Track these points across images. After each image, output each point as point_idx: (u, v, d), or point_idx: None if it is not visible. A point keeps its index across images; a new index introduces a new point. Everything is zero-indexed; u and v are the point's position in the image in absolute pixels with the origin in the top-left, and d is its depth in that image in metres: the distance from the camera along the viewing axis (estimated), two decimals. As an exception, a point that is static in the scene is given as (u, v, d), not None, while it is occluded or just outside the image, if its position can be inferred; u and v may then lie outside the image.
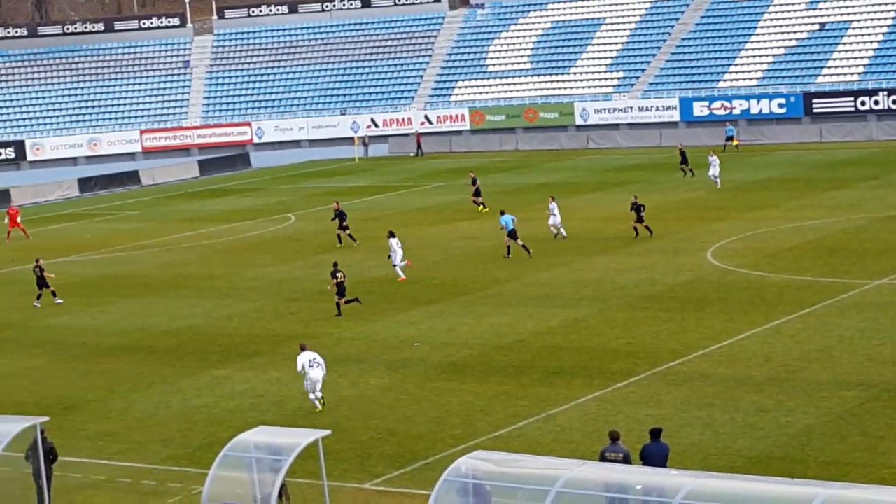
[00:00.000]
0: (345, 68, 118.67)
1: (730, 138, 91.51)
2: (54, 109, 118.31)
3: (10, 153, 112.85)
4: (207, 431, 34.86)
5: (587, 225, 62.61)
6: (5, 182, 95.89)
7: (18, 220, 73.92)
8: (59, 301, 52.66)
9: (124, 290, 54.95)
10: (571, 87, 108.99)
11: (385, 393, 37.36)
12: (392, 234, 53.75)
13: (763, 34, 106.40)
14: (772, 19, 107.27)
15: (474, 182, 70.76)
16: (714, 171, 72.03)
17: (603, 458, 26.08)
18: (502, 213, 57.09)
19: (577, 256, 55.07)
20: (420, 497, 28.00)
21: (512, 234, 55.57)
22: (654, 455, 26.20)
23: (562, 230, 58.91)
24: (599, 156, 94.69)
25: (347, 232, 61.50)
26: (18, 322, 50.53)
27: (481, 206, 69.19)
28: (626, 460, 25.94)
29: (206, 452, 32.24)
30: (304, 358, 35.78)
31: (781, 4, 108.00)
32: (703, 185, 72.69)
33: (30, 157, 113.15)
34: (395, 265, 52.96)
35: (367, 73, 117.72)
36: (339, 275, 47.13)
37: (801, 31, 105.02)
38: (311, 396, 35.95)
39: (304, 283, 53.89)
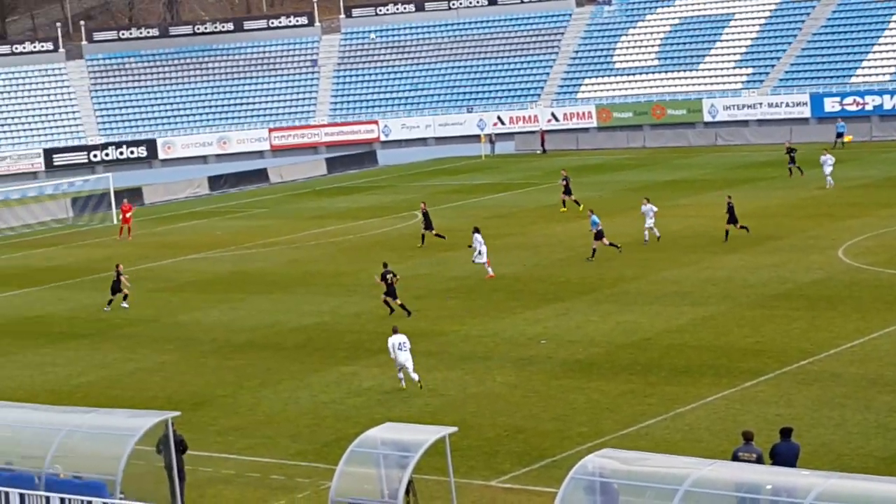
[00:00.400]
0: (471, 66, 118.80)
1: (840, 135, 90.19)
2: (185, 108, 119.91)
3: (142, 152, 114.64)
4: (335, 427, 35.07)
5: (715, 223, 61.94)
6: (137, 180, 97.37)
7: (129, 216, 74.84)
8: (125, 305, 52.65)
9: (254, 287, 55.51)
10: (700, 84, 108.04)
11: (512, 390, 37.31)
12: (477, 230, 54.09)
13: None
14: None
15: (566, 181, 70.54)
16: (827, 170, 70.31)
17: (736, 458, 25.77)
18: (591, 212, 56.75)
19: (706, 254, 54.56)
20: (547, 495, 27.90)
21: (598, 236, 55.24)
22: (784, 454, 25.84)
23: (655, 230, 57.80)
24: (728, 153, 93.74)
25: (434, 232, 61.80)
26: (150, 318, 51.26)
27: (572, 205, 69.45)
28: (759, 461, 25.61)
29: (333, 448, 32.43)
30: (394, 341, 37.61)
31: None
32: (835, 182, 71.58)
33: (161, 155, 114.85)
34: (474, 261, 53.43)
35: (494, 71, 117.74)
36: (388, 276, 47.30)
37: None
38: (400, 375, 37.59)
39: (430, 280, 54.01)
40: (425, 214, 62.20)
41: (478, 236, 53.79)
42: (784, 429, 26.46)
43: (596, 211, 57.02)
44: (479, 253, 53.49)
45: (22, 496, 29.46)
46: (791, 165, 76.25)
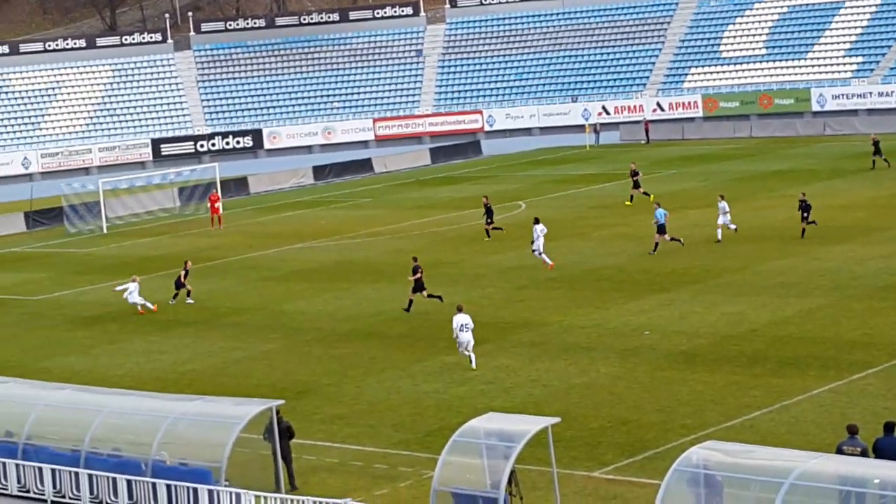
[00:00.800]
0: (577, 55, 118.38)
1: None
2: (290, 99, 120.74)
3: (248, 142, 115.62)
4: (437, 417, 35.13)
5: (824, 213, 61.19)
6: (243, 170, 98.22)
7: (218, 205, 75.58)
8: (190, 301, 52.62)
9: (358, 276, 55.75)
10: (808, 73, 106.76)
11: (615, 381, 37.13)
12: (537, 221, 54.06)
13: None
14: None
15: (635, 174, 69.86)
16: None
17: (840, 452, 25.44)
18: (658, 205, 56.18)
19: (814, 245, 53.91)
20: (650, 486, 27.73)
21: (661, 230, 54.68)
22: (888, 449, 25.42)
23: (730, 226, 56.39)
24: (836, 143, 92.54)
25: (492, 226, 61.77)
26: (256, 306, 51.66)
27: (635, 196, 69.10)
28: (864, 455, 25.25)
29: (436, 437, 32.48)
30: (458, 321, 38.92)
31: None
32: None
33: (266, 145, 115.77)
34: (534, 251, 53.40)
35: (600, 60, 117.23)
36: (419, 271, 47.50)
37: None
38: (463, 352, 39.12)
39: (534, 271, 53.87)
40: (487, 208, 62.04)
41: (537, 227, 53.70)
42: (888, 423, 26.05)
43: (699, 202, 56.61)
44: (537, 242, 53.33)
45: (129, 482, 29.85)
46: (875, 157, 75.09)
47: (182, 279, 52.89)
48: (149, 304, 51.62)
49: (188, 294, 52.99)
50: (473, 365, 38.92)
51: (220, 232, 73.11)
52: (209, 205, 76.79)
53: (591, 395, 36.01)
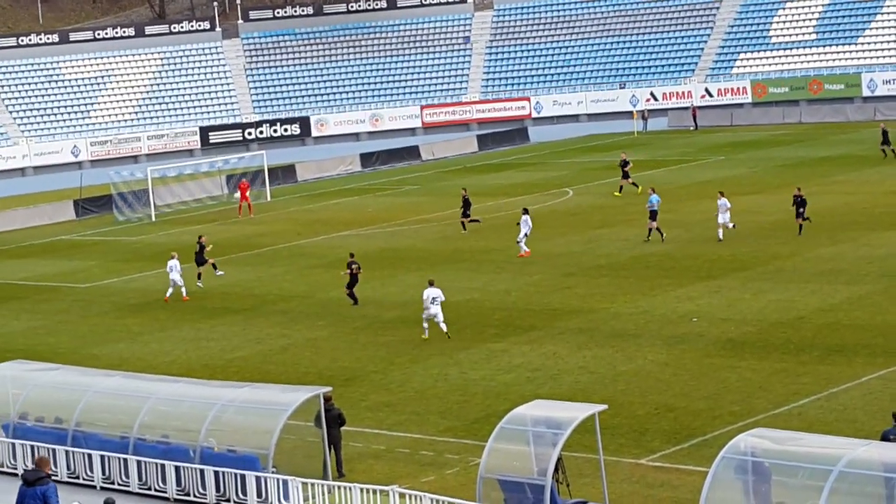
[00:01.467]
0: (625, 41, 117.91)
1: None
2: (338, 86, 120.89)
3: (295, 129, 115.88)
4: (484, 404, 35.14)
5: (874, 199, 60.84)
6: (291, 157, 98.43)
7: (248, 194, 75.95)
8: (220, 273, 53.33)
9: (404, 264, 55.80)
10: (858, 58, 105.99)
11: (662, 368, 37.04)
12: (525, 211, 54.92)
13: None
14: None
15: (625, 164, 69.33)
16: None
17: (885, 440, 25.28)
18: (652, 190, 55.85)
19: (864, 231, 53.57)
20: (697, 473, 27.65)
21: (653, 216, 54.42)
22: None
23: (729, 224, 54.35)
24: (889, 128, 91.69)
25: (469, 219, 62.02)
26: (304, 294, 51.82)
27: (624, 187, 68.70)
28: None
29: (483, 425, 32.50)
30: (429, 293, 41.75)
31: None
32: None
33: (314, 132, 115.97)
34: (518, 241, 53.97)
35: (648, 46, 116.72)
36: (353, 266, 47.75)
37: None
38: (425, 325, 41.85)
39: (581, 257, 53.80)
40: (465, 200, 62.12)
41: (526, 217, 53.73)
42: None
43: (747, 189, 56.16)
44: (523, 233, 53.96)
45: (177, 469, 30.03)
46: (884, 147, 73.98)
47: (202, 254, 53.26)
48: (184, 290, 51.78)
49: (214, 267, 53.31)
50: (446, 332, 41.63)
51: (262, 220, 73.28)
52: (238, 193, 77.05)
53: (638, 382, 35.93)
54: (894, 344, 37.12)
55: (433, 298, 41.63)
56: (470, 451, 31.09)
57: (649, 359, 38.10)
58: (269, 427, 29.32)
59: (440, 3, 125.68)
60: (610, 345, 39.82)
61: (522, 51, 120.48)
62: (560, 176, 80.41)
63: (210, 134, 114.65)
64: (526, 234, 54.61)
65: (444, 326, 41.67)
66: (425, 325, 42.00)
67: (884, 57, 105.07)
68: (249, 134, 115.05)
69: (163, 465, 30.18)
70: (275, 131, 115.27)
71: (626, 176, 69.52)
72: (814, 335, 38.89)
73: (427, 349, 41.37)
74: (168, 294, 51.98)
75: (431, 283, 42.24)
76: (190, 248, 64.86)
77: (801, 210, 54.11)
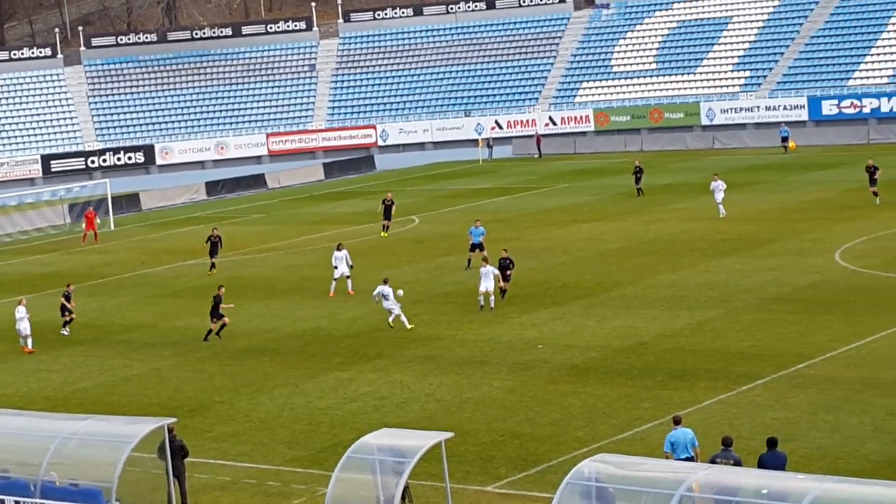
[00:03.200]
0: (469, 70, 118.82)
1: (785, 139, 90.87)
2: (183, 114, 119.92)
3: (139, 157, 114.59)
4: (331, 433, 35.06)
5: (714, 226, 62.01)
6: (135, 186, 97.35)
7: (96, 222, 75.14)
8: (65, 333, 49.95)
9: (250, 293, 55.45)
10: (697, 87, 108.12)
11: (508, 395, 37.29)
12: (339, 247, 54.12)
13: (894, 30, 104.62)
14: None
15: (387, 204, 67.86)
16: (719, 196, 64.06)
17: (713, 464, 25.74)
18: (478, 222, 56.72)
19: (703, 258, 54.56)
20: (543, 500, 27.89)
21: (473, 247, 55.32)
22: (770, 465, 25.72)
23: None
24: (725, 156, 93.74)
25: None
26: (148, 323, 51.24)
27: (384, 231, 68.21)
28: (738, 466, 25.60)
29: (329, 454, 32.42)
30: (379, 290, 46.02)
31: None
32: (832, 186, 71.59)
33: (159, 161, 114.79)
34: (334, 278, 53.51)
35: (492, 75, 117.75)
36: (220, 289, 47.91)
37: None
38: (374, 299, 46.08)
39: (428, 284, 53.99)
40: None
41: (338, 253, 53.51)
42: (770, 439, 26.38)
43: (590, 216, 56.91)
44: (338, 268, 53.46)
45: None
46: (639, 186, 74.40)
47: (66, 306, 50.77)
48: (29, 342, 48.12)
49: (64, 325, 50.42)
50: (407, 324, 45.75)
51: (106, 249, 72.30)
52: (85, 222, 75.91)
53: (484, 409, 36.13)
54: (734, 368, 37.83)
55: (382, 294, 45.87)
56: (316, 481, 30.99)
57: (495, 385, 38.34)
58: (111, 459, 28.87)
59: (285, 31, 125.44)
60: (456, 372, 39.99)
61: (368, 79, 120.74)
62: (407, 204, 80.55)
63: (52, 162, 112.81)
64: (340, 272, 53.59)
65: (401, 317, 45.70)
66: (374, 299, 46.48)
67: (721, 86, 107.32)
68: (93, 162, 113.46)
69: (2, 501, 29.57)
70: (118, 159, 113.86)
71: (387, 216, 68.02)
72: (656, 360, 39.46)
73: (273, 379, 41.16)
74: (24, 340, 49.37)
75: (385, 281, 46.77)
76: (32, 277, 63.68)
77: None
